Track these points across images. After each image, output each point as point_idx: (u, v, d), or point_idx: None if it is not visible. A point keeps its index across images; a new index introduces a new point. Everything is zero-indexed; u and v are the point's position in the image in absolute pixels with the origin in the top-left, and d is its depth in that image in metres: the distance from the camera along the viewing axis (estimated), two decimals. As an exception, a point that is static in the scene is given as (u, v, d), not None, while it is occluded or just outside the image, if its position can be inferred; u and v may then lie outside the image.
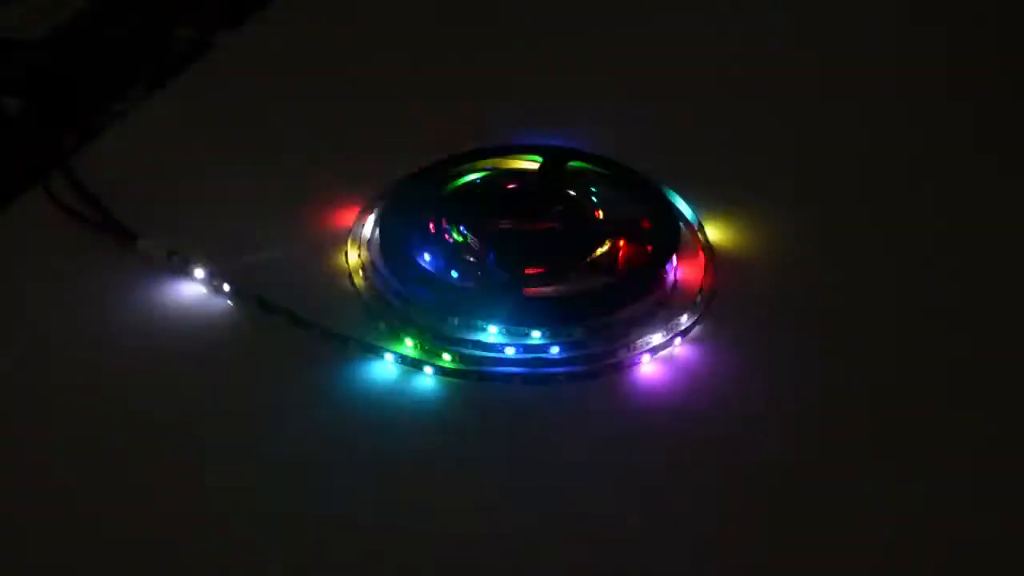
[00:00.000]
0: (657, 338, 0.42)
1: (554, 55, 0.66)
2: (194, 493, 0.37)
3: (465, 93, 0.62)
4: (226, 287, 0.45)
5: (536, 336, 0.42)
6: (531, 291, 0.45)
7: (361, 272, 0.46)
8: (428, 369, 0.41)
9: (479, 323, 0.43)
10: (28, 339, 0.44)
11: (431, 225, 0.48)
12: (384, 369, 0.42)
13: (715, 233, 0.49)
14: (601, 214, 0.49)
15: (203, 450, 0.38)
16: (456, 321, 0.43)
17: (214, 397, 0.41)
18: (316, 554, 0.35)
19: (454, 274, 0.45)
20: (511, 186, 0.51)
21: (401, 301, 0.44)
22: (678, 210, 0.49)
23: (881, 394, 0.40)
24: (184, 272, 0.46)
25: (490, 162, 0.52)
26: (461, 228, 0.47)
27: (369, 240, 0.48)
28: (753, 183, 0.53)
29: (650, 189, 0.50)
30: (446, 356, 0.42)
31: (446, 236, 0.47)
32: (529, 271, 0.45)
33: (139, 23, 0.73)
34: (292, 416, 0.40)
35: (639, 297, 0.44)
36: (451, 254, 0.46)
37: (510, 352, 0.42)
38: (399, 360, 0.42)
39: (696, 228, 0.49)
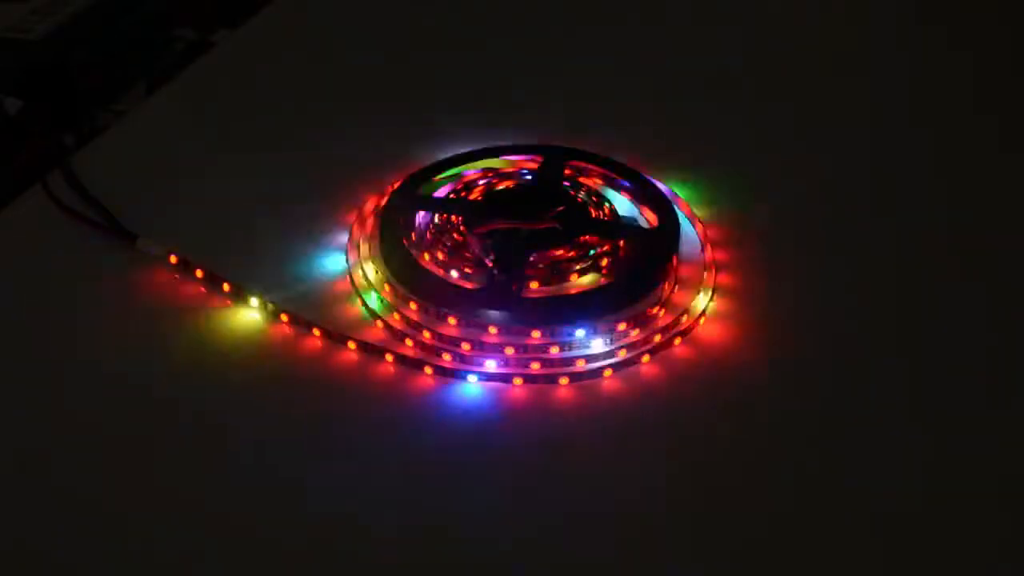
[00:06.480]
0: (655, 339, 0.42)
1: (554, 55, 0.67)
2: (192, 492, 0.37)
3: (466, 93, 0.62)
4: (225, 287, 0.45)
5: (536, 336, 0.42)
6: (530, 291, 0.45)
7: (361, 272, 0.46)
8: (428, 369, 0.41)
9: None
10: (28, 338, 0.44)
11: (431, 225, 0.48)
12: (385, 369, 0.42)
13: (715, 232, 0.49)
14: (601, 214, 0.49)
15: (202, 449, 0.38)
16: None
17: (214, 396, 0.41)
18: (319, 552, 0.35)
19: (454, 274, 0.45)
20: (511, 186, 0.51)
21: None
22: (678, 209, 0.49)
23: (880, 392, 0.40)
24: (183, 272, 0.46)
25: (490, 162, 0.52)
26: (461, 228, 0.47)
27: (369, 240, 0.48)
28: (754, 183, 0.53)
29: (650, 189, 0.50)
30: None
31: (447, 236, 0.47)
32: (528, 271, 0.45)
33: (139, 23, 0.73)
34: (291, 414, 0.40)
35: (639, 297, 0.44)
36: (451, 253, 0.46)
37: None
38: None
39: (695, 227, 0.49)
